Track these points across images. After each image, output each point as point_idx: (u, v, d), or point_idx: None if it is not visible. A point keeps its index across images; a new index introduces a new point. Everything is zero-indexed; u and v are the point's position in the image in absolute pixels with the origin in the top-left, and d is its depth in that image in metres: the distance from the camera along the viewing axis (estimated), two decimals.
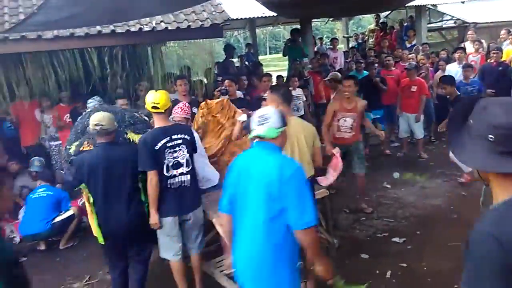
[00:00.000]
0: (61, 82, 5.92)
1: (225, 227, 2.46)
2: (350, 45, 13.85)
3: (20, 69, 5.70)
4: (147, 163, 3.31)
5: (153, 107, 3.42)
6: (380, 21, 12.58)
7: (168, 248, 3.52)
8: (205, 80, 6.89)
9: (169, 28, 5.98)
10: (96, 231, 3.45)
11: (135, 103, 6.06)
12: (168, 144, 3.39)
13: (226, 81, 5.69)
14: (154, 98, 3.43)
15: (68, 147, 3.94)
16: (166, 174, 3.38)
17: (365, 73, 7.44)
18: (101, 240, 3.43)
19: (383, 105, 7.21)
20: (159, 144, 3.35)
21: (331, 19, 15.94)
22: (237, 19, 10.63)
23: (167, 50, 7.06)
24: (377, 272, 3.83)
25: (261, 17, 11.34)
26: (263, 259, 2.17)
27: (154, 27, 5.91)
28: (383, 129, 6.85)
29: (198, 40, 6.77)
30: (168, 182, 3.40)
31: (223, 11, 6.58)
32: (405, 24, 11.89)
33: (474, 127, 1.32)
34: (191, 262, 3.72)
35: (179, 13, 6.32)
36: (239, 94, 6.11)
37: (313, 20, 11.29)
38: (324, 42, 14.28)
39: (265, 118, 2.27)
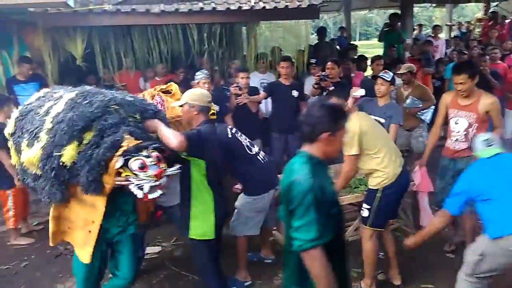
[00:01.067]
0: (163, 55, 6.26)
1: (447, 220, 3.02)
2: (453, 34, 12.87)
3: (129, 40, 6.12)
4: None
5: (209, 102, 3.06)
6: (490, 10, 11.52)
7: (254, 224, 3.52)
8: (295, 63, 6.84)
9: (267, 7, 6.03)
10: (209, 223, 2.98)
11: (227, 80, 6.25)
12: (232, 131, 3.50)
13: (329, 63, 5.24)
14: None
15: (55, 153, 2.40)
16: (251, 153, 3.46)
17: None
18: (213, 234, 2.99)
19: None
20: (228, 133, 3.44)
21: (434, 5, 14.89)
22: (334, 0, 10.38)
23: (259, 31, 7.12)
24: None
25: None
26: None
27: (252, 6, 6.00)
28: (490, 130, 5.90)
29: (287, 21, 6.72)
30: (258, 158, 3.50)
31: None
32: None
33: None
34: (264, 233, 3.81)
35: None
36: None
37: (414, 4, 10.66)
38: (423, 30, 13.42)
39: (492, 140, 2.97)
